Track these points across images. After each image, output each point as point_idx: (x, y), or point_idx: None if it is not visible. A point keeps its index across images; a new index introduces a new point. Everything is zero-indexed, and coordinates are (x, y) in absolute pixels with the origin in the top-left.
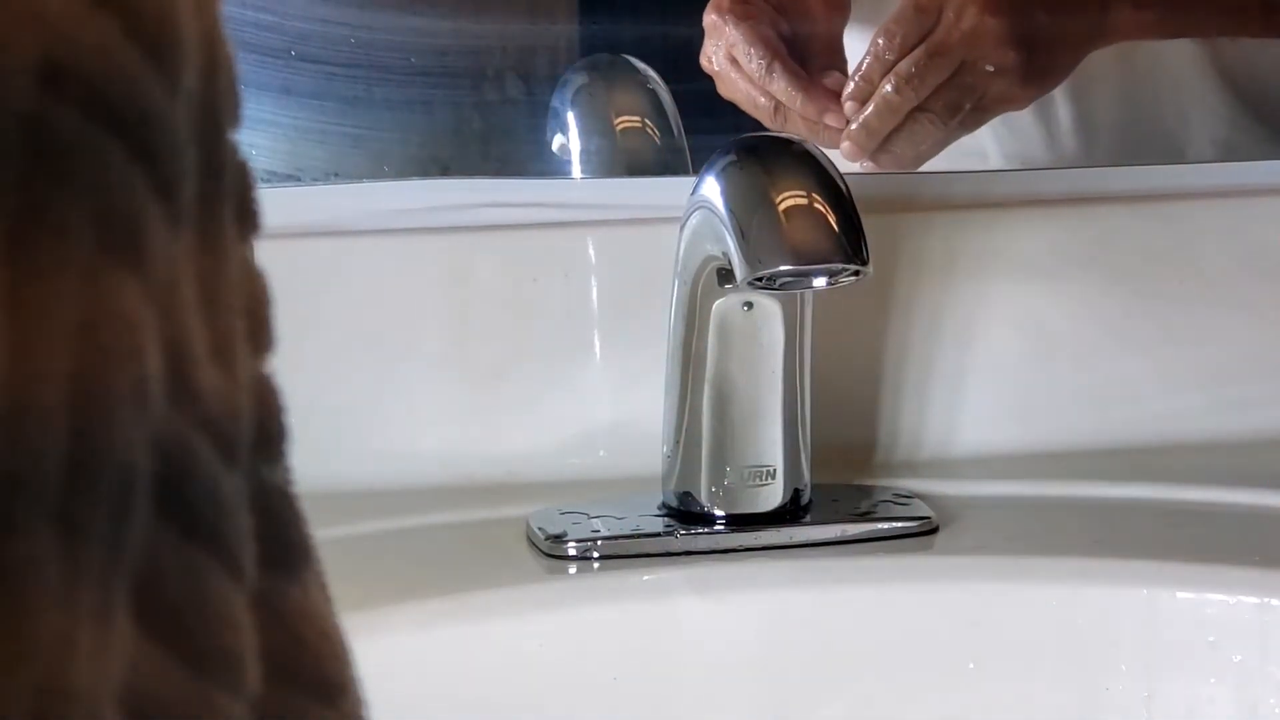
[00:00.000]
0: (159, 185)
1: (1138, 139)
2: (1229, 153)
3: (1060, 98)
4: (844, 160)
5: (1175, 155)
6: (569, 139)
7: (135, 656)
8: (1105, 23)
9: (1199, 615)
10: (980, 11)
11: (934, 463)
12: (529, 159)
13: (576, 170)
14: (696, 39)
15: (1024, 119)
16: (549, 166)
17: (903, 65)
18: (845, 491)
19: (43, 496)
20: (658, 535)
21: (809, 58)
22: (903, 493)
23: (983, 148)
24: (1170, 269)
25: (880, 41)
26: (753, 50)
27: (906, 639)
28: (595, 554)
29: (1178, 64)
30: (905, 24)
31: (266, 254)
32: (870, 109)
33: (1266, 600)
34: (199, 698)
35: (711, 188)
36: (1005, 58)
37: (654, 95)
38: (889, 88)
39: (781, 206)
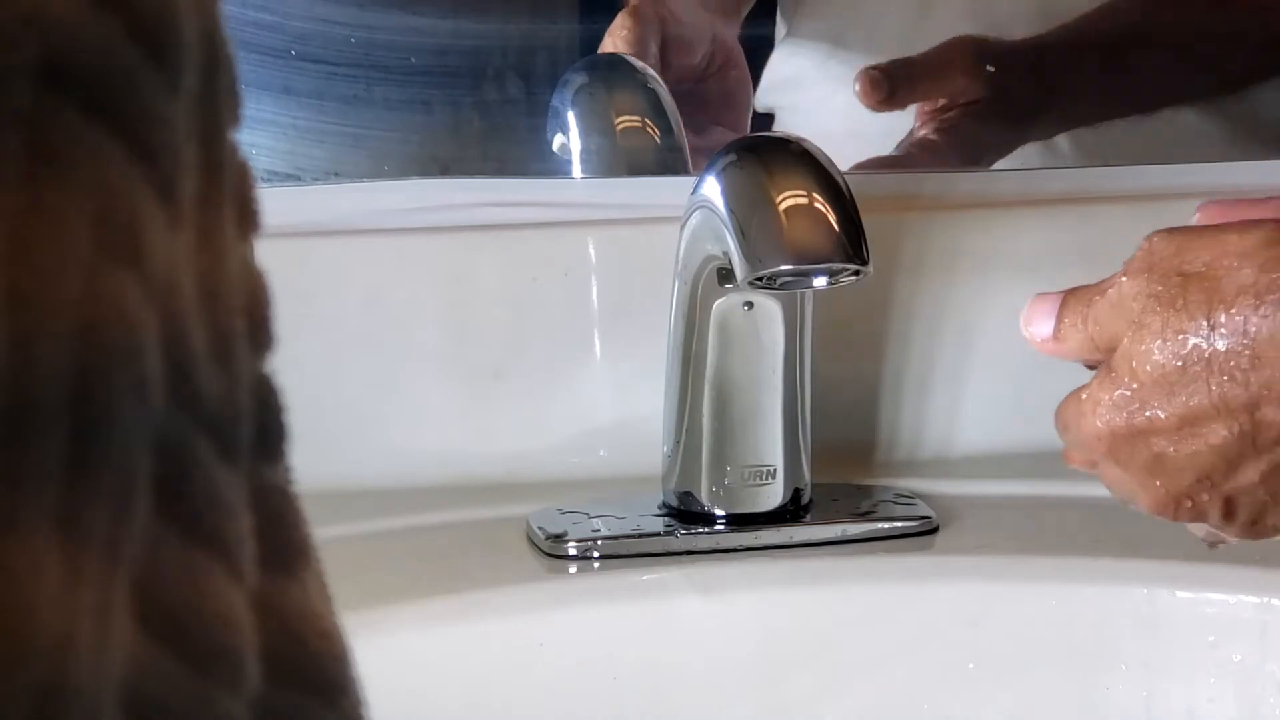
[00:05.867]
0: (159, 185)
1: (1130, 158)
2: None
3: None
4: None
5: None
6: (569, 139)
7: (135, 656)
8: None
9: (1199, 615)
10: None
11: (934, 463)
12: (529, 159)
13: (576, 170)
14: None
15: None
16: (549, 166)
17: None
18: (845, 491)
19: (43, 496)
20: (658, 535)
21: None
22: (903, 492)
23: None
24: None
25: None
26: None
27: (906, 639)
28: (595, 553)
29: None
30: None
31: (266, 254)
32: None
33: (1266, 600)
34: (199, 697)
35: (712, 187)
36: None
37: (654, 95)
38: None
39: (782, 206)
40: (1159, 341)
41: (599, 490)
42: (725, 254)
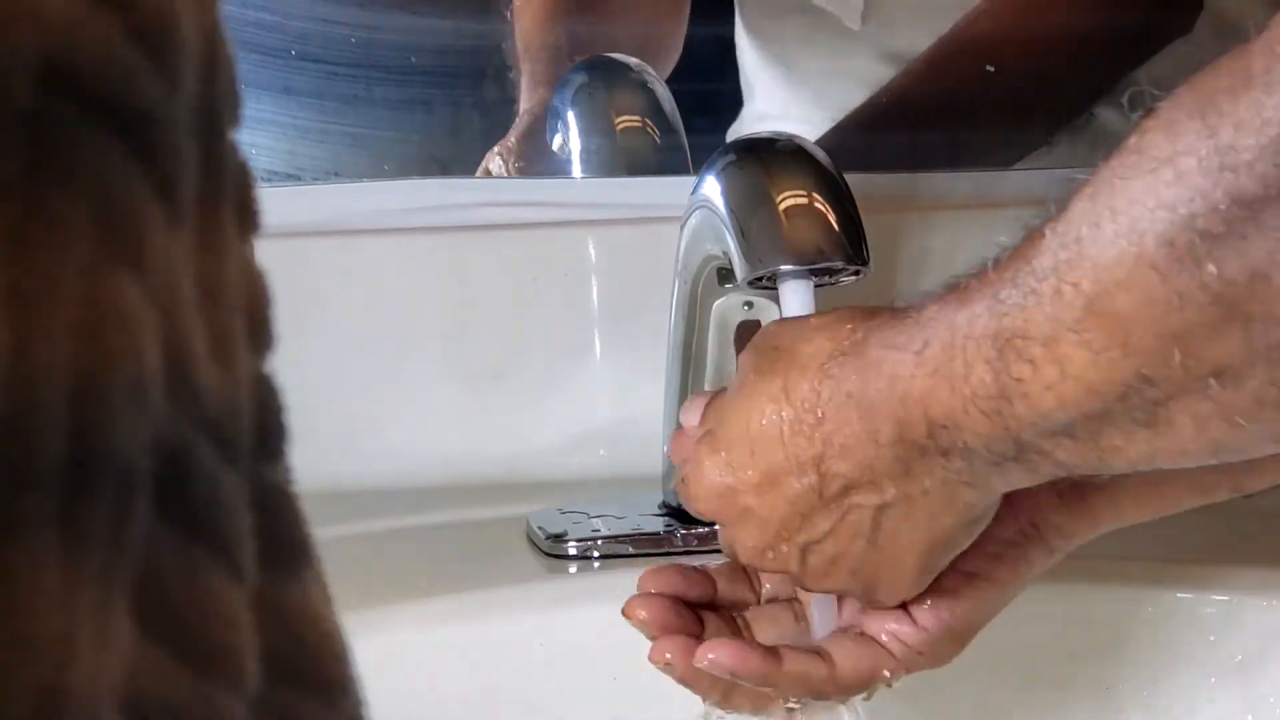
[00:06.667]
0: (159, 185)
1: None
2: None
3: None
4: None
5: None
6: (569, 139)
7: (135, 656)
8: None
9: (1199, 615)
10: None
11: None
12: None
13: (576, 170)
14: (697, 37)
15: None
16: (549, 166)
17: None
18: None
19: (43, 497)
20: (658, 535)
21: None
22: None
23: None
24: None
25: None
26: None
27: None
28: (595, 553)
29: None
30: None
31: (266, 254)
32: None
33: (1267, 600)
34: (199, 697)
35: (711, 187)
36: None
37: (653, 94)
38: None
39: (781, 206)
40: (746, 405)
41: (599, 490)
42: (725, 254)
